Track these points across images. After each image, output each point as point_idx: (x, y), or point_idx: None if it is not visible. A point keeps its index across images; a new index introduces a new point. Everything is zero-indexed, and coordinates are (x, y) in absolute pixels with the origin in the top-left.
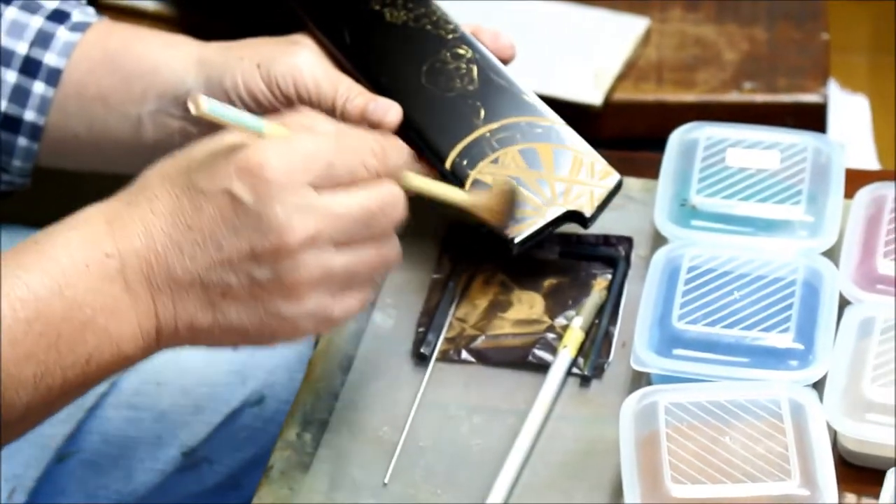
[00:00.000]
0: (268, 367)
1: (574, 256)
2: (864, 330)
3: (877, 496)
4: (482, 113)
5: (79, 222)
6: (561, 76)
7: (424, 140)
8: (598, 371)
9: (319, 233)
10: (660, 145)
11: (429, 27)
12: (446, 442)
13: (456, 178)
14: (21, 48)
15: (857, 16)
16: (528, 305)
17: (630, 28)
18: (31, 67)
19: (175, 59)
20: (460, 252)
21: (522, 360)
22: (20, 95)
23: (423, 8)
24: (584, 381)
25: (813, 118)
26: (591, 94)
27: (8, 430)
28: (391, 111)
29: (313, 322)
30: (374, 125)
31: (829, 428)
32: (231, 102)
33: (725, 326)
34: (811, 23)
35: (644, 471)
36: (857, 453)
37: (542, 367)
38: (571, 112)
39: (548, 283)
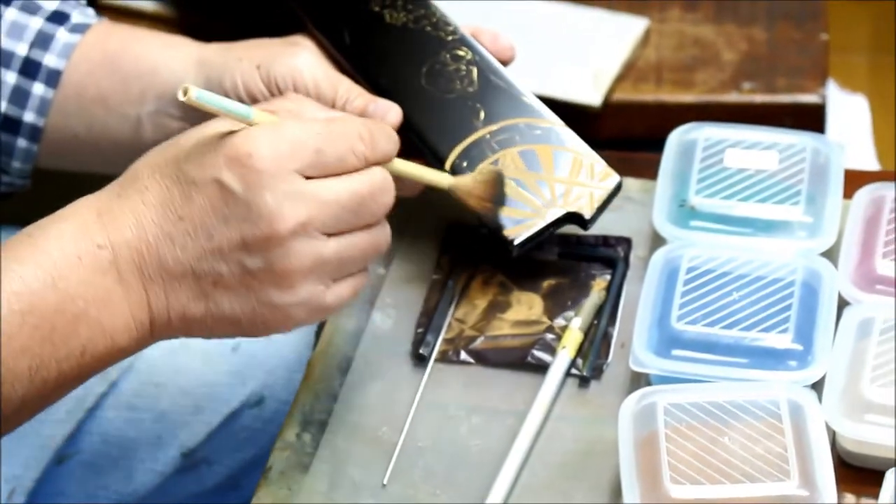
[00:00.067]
0: (267, 367)
1: (573, 257)
2: (863, 330)
3: (876, 497)
4: (482, 114)
5: (70, 214)
6: (560, 77)
7: (424, 141)
8: (597, 372)
9: (310, 220)
10: (659, 146)
11: (428, 29)
12: (445, 442)
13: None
14: (21, 49)
15: (857, 16)
16: (527, 306)
17: (629, 28)
18: (30, 69)
19: (174, 59)
20: (459, 253)
21: (521, 360)
22: (20, 97)
23: (423, 9)
24: (583, 381)
25: (812, 118)
26: (590, 94)
27: (4, 423)
28: (391, 113)
29: (306, 310)
30: None
31: (828, 428)
32: None
33: (724, 327)
34: (810, 23)
35: (643, 471)
36: (856, 454)
37: (541, 368)
38: (570, 113)
39: (547, 283)
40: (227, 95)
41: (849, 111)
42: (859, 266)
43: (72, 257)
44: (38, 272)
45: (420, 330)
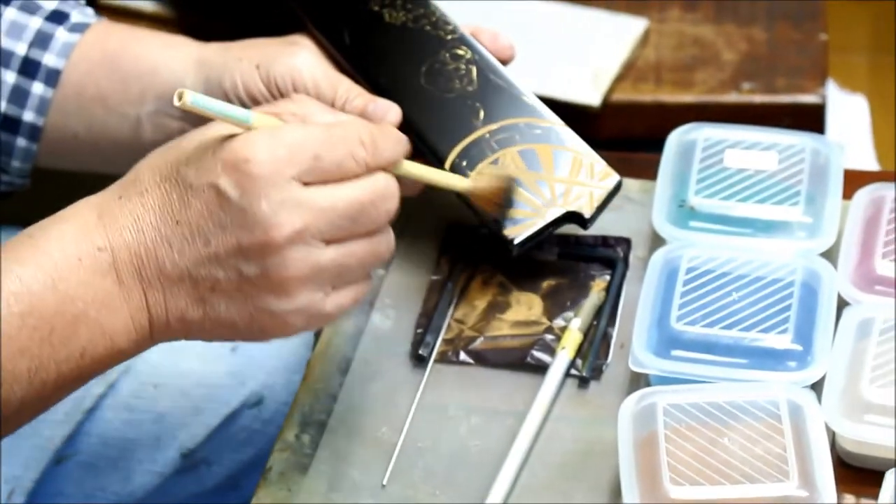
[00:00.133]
0: (266, 368)
1: (572, 258)
2: (863, 331)
3: (875, 497)
4: (481, 114)
5: (70, 215)
6: (559, 77)
7: (424, 141)
8: (597, 372)
9: (306, 227)
10: (658, 146)
11: (428, 28)
12: (445, 443)
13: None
14: (20, 49)
15: (856, 16)
16: (526, 307)
17: (628, 28)
18: (30, 68)
19: (174, 59)
20: (459, 253)
21: (521, 361)
22: (19, 96)
23: (423, 9)
24: (583, 382)
25: (811, 119)
26: (590, 94)
27: (4, 424)
28: (390, 112)
29: (304, 318)
30: None
31: (828, 429)
32: (230, 103)
33: (724, 327)
34: (810, 23)
35: (642, 472)
36: (856, 454)
37: (541, 369)
38: (570, 113)
39: (546, 284)
40: (226, 95)
41: (848, 111)
42: (859, 266)
43: (72, 259)
44: (38, 273)
45: (419, 330)
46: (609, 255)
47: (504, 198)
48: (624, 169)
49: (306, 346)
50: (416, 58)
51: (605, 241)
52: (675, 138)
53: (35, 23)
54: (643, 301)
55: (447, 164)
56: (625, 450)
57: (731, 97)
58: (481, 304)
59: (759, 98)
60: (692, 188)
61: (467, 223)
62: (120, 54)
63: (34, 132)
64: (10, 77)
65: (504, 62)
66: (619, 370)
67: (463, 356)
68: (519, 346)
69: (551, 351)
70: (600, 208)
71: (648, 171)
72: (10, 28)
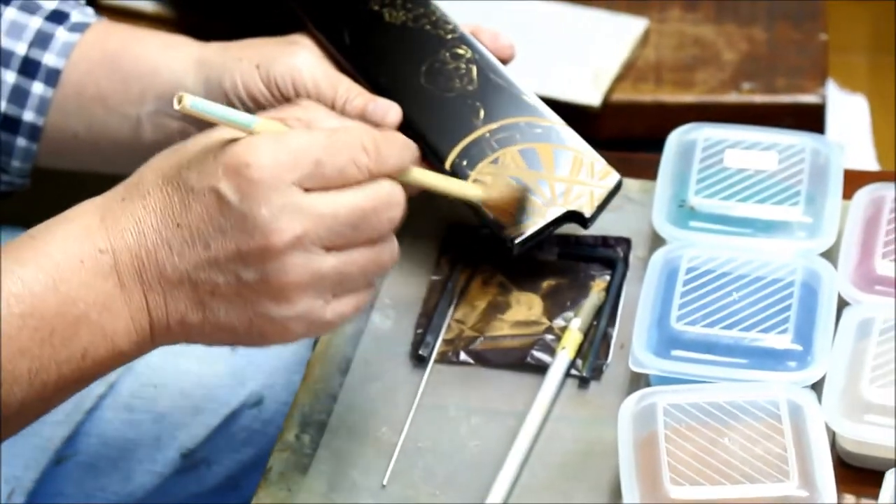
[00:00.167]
0: (266, 368)
1: (572, 258)
2: (863, 331)
3: (875, 497)
4: (482, 113)
5: (74, 217)
6: (559, 77)
7: (424, 140)
8: (597, 372)
9: (306, 234)
10: (658, 146)
11: (428, 27)
12: (445, 443)
13: (456, 178)
14: (20, 49)
15: (856, 16)
16: (526, 307)
17: (628, 28)
18: (29, 68)
19: (174, 59)
20: (459, 253)
21: (521, 361)
22: (19, 96)
23: (422, 8)
24: (583, 382)
25: (812, 119)
26: (590, 94)
27: (4, 426)
28: (391, 112)
29: (304, 324)
30: (373, 126)
31: (828, 429)
32: (230, 103)
33: (724, 327)
34: (810, 23)
35: (643, 472)
36: (856, 454)
37: (541, 369)
38: (570, 113)
39: (546, 284)
40: (226, 95)
41: (848, 111)
42: (859, 266)
43: (74, 260)
44: (40, 274)
45: (419, 331)
46: (609, 255)
47: (518, 208)
48: (624, 169)
49: (306, 346)
50: (417, 57)
51: (605, 241)
52: (676, 138)
53: (35, 22)
54: (643, 301)
55: (447, 164)
56: (625, 450)
57: (732, 97)
58: (481, 304)
59: (759, 98)
60: (692, 188)
61: (467, 223)
62: (120, 54)
63: (34, 132)
64: (10, 77)
65: (504, 61)
66: (619, 370)
67: (463, 356)
68: (519, 347)
69: (551, 351)
70: (601, 207)
71: (648, 171)
72: (10, 28)
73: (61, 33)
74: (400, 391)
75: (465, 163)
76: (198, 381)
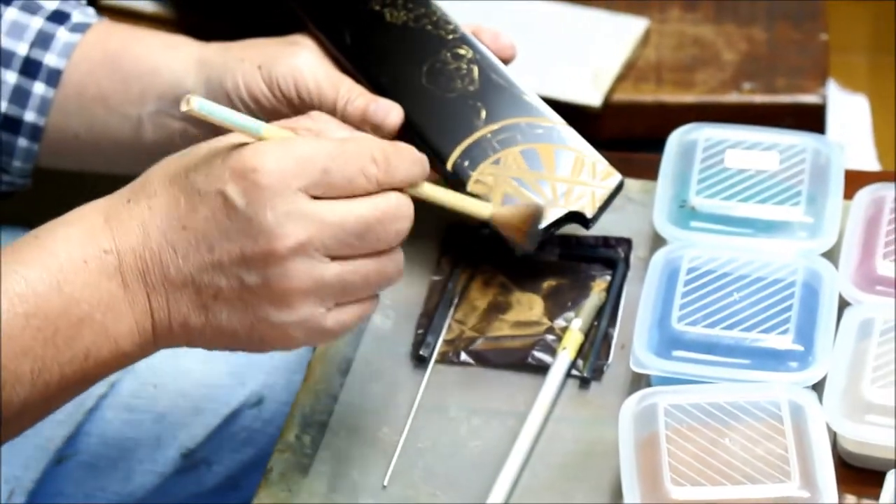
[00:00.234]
0: (267, 368)
1: (573, 258)
2: (864, 331)
3: (877, 497)
4: (483, 114)
5: (78, 217)
6: (560, 77)
7: (425, 141)
8: (598, 373)
9: (310, 240)
10: (659, 146)
11: (429, 27)
12: (446, 444)
13: (458, 179)
14: (21, 49)
15: (857, 16)
16: (527, 307)
17: (629, 28)
18: (31, 68)
19: (175, 60)
20: (459, 253)
21: (522, 361)
22: (20, 96)
23: (424, 8)
24: (584, 382)
25: (812, 119)
26: (590, 94)
27: (6, 427)
28: (392, 112)
29: (304, 331)
30: (375, 127)
31: (829, 429)
32: (232, 104)
33: (725, 328)
34: (810, 23)
35: (644, 472)
36: (857, 455)
37: (542, 369)
38: (571, 113)
39: (547, 284)
40: (228, 96)
41: (849, 111)
42: (860, 267)
43: (78, 261)
44: (44, 275)
45: (420, 331)
46: (610, 256)
47: (530, 225)
48: (625, 169)
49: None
50: (418, 57)
51: (605, 241)
52: (676, 138)
53: (36, 23)
54: (644, 301)
55: (449, 164)
56: (626, 450)
57: (732, 97)
58: (482, 304)
59: (759, 98)
60: (693, 188)
61: (468, 223)
62: (121, 54)
63: (35, 132)
64: (12, 77)
65: (505, 62)
66: (620, 370)
67: (464, 356)
68: (520, 347)
69: (552, 351)
70: (602, 208)
71: (649, 172)
72: (12, 28)
73: (62, 34)
74: (400, 391)
75: (466, 163)
76: (198, 380)
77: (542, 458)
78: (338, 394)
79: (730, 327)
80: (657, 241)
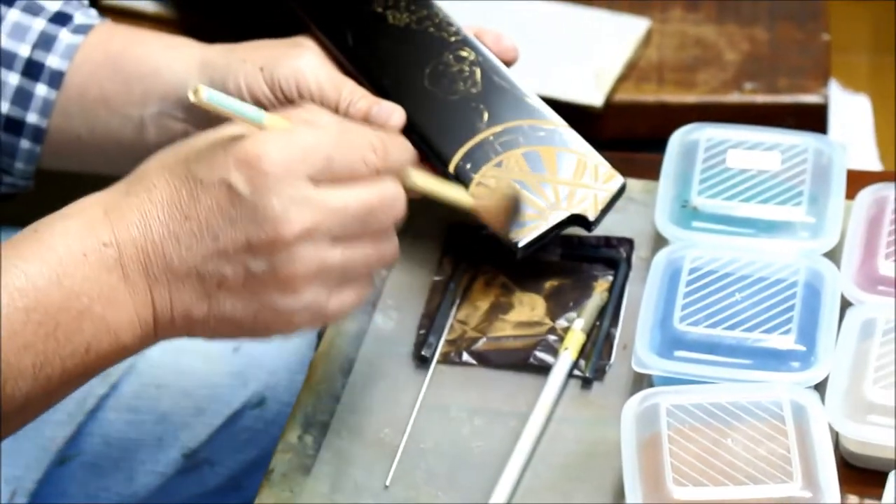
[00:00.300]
0: (268, 368)
1: (575, 258)
2: (866, 331)
3: (879, 498)
4: (485, 116)
5: (77, 211)
6: (561, 77)
7: (428, 143)
8: (600, 373)
9: (316, 226)
10: (660, 146)
11: (431, 30)
12: (448, 444)
13: (460, 181)
14: (23, 50)
15: (858, 16)
16: (529, 307)
17: (631, 29)
18: (33, 70)
19: (177, 61)
20: (461, 254)
21: (524, 362)
22: (23, 98)
23: (426, 10)
24: (586, 383)
25: (814, 119)
26: (592, 94)
27: (8, 421)
28: (395, 114)
29: (308, 316)
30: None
31: (831, 430)
32: None
33: (727, 328)
34: (812, 23)
35: (646, 473)
36: (859, 455)
37: (544, 369)
38: (572, 113)
39: (549, 284)
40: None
41: (851, 111)
42: (862, 267)
43: (77, 254)
44: (44, 269)
45: (422, 331)
46: (612, 256)
47: (510, 213)
48: (626, 169)
49: (309, 346)
50: (420, 59)
51: (607, 241)
52: (678, 138)
53: (38, 24)
54: (646, 301)
55: (451, 167)
56: (628, 451)
57: (734, 97)
58: (484, 304)
59: (761, 98)
60: (695, 188)
61: (470, 224)
62: (122, 56)
63: (38, 134)
64: (14, 79)
65: (508, 64)
66: (622, 371)
67: (466, 357)
68: (522, 347)
69: (554, 352)
70: (604, 211)
71: (651, 172)
72: (14, 29)
73: (65, 35)
74: (402, 392)
75: (468, 166)
76: (200, 381)
77: (544, 459)
78: (340, 394)
79: (732, 327)
80: (659, 242)
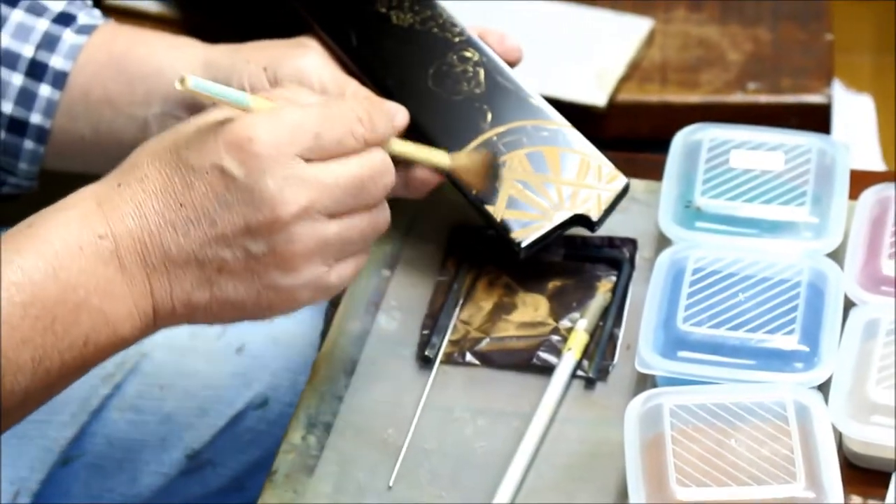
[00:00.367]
0: (272, 369)
1: (578, 258)
2: (869, 331)
3: (882, 498)
4: (489, 116)
5: (71, 204)
6: (564, 77)
7: (431, 144)
8: (603, 373)
9: (311, 204)
10: (664, 146)
11: (435, 30)
12: (451, 444)
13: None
14: (27, 51)
15: (861, 16)
16: (532, 308)
17: (634, 29)
18: (37, 70)
19: (180, 61)
20: (465, 254)
21: (527, 362)
22: (26, 98)
23: (430, 10)
24: (589, 383)
25: (817, 119)
26: (595, 95)
27: (8, 416)
28: (398, 115)
29: (310, 292)
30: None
31: (835, 430)
32: None
33: (730, 328)
34: (815, 23)
35: (649, 473)
36: (863, 455)
37: (547, 370)
38: (575, 113)
39: (552, 285)
40: None
41: (854, 111)
42: (865, 267)
43: (73, 247)
44: (39, 262)
45: (425, 332)
46: (615, 256)
47: (487, 172)
48: (630, 169)
49: (312, 347)
50: (424, 60)
51: (611, 241)
52: (681, 139)
53: (42, 25)
54: (649, 302)
55: None
56: (631, 451)
57: (737, 97)
58: (487, 305)
59: (764, 98)
60: (698, 189)
61: (473, 224)
62: (126, 56)
63: (41, 134)
64: (18, 79)
65: (512, 64)
66: (625, 371)
67: (469, 357)
68: (525, 348)
69: (557, 352)
70: (608, 211)
71: (654, 172)
72: (18, 30)
73: (68, 35)
74: (406, 392)
75: None
76: (203, 382)
77: (548, 459)
78: (343, 395)
79: (735, 328)
80: (662, 242)
